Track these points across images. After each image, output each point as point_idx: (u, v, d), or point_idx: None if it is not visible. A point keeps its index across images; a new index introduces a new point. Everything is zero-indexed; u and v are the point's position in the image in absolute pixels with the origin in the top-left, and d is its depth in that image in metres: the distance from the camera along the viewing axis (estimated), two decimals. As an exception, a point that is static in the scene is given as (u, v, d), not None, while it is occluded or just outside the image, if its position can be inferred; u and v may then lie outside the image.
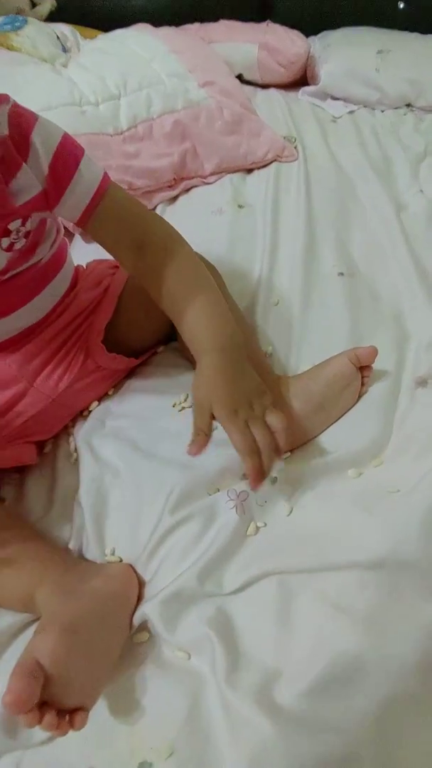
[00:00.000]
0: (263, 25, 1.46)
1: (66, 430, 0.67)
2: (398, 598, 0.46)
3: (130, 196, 0.60)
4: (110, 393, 0.69)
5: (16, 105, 0.50)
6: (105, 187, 0.55)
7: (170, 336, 0.73)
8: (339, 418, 0.63)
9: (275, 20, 1.52)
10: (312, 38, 1.50)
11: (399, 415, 0.63)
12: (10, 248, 0.53)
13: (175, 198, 1.01)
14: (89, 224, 0.56)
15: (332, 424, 0.63)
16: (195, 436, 0.51)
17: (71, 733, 0.44)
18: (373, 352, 0.63)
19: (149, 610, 0.48)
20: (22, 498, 0.61)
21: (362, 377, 0.64)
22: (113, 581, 0.50)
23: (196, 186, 1.03)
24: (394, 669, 0.43)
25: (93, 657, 0.44)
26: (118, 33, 1.14)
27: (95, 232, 0.58)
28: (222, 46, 1.36)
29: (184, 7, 1.48)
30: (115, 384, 0.70)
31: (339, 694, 0.43)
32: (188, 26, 1.44)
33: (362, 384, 0.64)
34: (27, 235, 0.54)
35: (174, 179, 0.99)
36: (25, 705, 0.39)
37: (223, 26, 1.44)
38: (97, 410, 0.67)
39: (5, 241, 0.52)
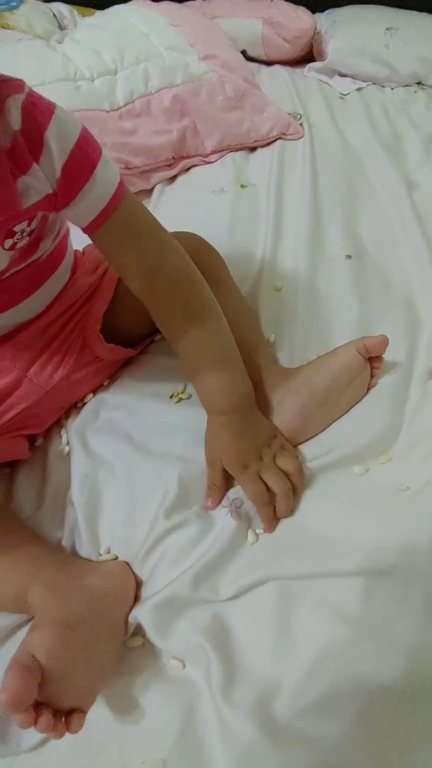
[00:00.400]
0: (267, 1, 1.41)
1: (58, 423, 0.64)
2: (408, 609, 0.43)
3: (145, 213, 0.53)
4: (105, 384, 0.66)
5: (31, 95, 0.44)
6: (119, 198, 0.49)
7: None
8: (345, 413, 0.60)
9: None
10: (318, 15, 1.46)
11: (410, 408, 0.60)
12: (12, 247, 0.49)
13: (174, 178, 0.97)
14: (96, 235, 0.51)
15: (338, 419, 0.59)
16: (209, 490, 0.53)
17: (61, 744, 0.42)
18: (384, 342, 0.59)
19: (141, 615, 0.45)
20: (12, 494, 0.58)
21: (372, 369, 0.60)
22: (109, 579, 0.48)
23: (196, 165, 0.98)
24: (401, 688, 0.40)
25: (90, 655, 0.42)
26: (116, 8, 1.09)
27: (102, 244, 0.52)
28: (225, 22, 1.31)
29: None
30: (110, 375, 0.67)
31: (341, 713, 0.40)
32: (190, 3, 1.40)
33: (372, 376, 0.61)
34: (31, 233, 0.50)
35: (173, 158, 0.95)
36: (22, 703, 0.37)
37: (226, 2, 1.40)
38: (92, 402, 0.63)
39: (8, 242, 0.48)
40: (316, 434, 0.58)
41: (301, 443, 0.58)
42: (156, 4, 1.11)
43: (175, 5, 1.16)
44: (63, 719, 0.39)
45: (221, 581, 0.47)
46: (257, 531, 0.50)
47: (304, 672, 0.41)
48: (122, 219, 0.50)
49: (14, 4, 1.10)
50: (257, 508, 0.51)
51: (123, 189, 0.50)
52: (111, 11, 1.10)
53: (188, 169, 0.98)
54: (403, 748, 0.38)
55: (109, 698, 0.44)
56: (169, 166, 0.95)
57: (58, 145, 0.44)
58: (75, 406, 0.65)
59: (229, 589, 0.46)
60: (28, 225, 0.49)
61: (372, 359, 0.60)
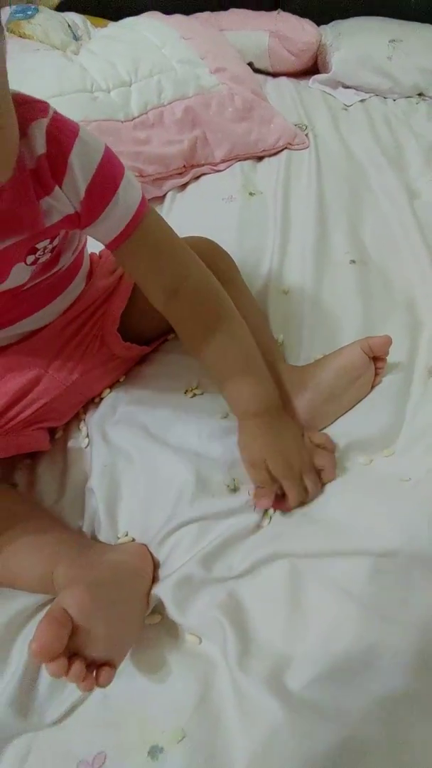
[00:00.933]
0: (274, 14, 1.45)
1: (77, 417, 0.67)
2: (411, 588, 0.46)
3: (166, 229, 0.55)
4: (121, 380, 0.69)
5: (56, 118, 0.44)
6: (141, 215, 0.51)
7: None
8: (351, 409, 0.63)
9: (286, 9, 1.51)
10: (323, 27, 1.49)
11: (411, 405, 0.63)
12: (34, 263, 0.51)
13: (185, 185, 1.01)
14: (119, 252, 0.53)
15: (343, 414, 0.63)
16: (259, 491, 0.55)
17: (82, 717, 0.45)
18: (387, 342, 0.62)
19: (161, 593, 0.48)
20: (34, 484, 0.61)
21: (376, 368, 0.64)
22: (129, 555, 0.51)
23: (206, 173, 1.02)
24: (407, 661, 0.43)
25: (117, 614, 0.44)
26: (129, 20, 1.13)
27: (124, 260, 0.55)
28: (233, 35, 1.35)
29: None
30: (126, 371, 0.70)
31: (350, 683, 0.43)
32: (199, 15, 1.43)
33: (375, 375, 0.64)
34: (53, 249, 0.53)
35: (184, 166, 0.99)
36: (52, 651, 0.39)
37: (234, 15, 1.43)
38: (109, 397, 0.67)
39: (30, 258, 0.50)
40: (323, 428, 0.61)
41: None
42: (167, 16, 1.15)
43: (186, 18, 1.20)
44: (94, 673, 0.41)
45: (234, 558, 0.50)
46: (270, 513, 0.53)
47: (315, 646, 0.44)
48: (144, 236, 0.52)
49: (30, 12, 1.14)
50: (291, 503, 0.54)
51: (144, 208, 0.51)
52: (124, 23, 1.14)
53: (198, 177, 1.02)
54: (414, 716, 0.41)
55: (128, 672, 0.46)
56: (180, 174, 0.99)
57: (81, 168, 0.46)
58: (92, 402, 0.68)
59: (240, 564, 0.49)
60: (50, 242, 0.51)
61: (375, 359, 0.63)
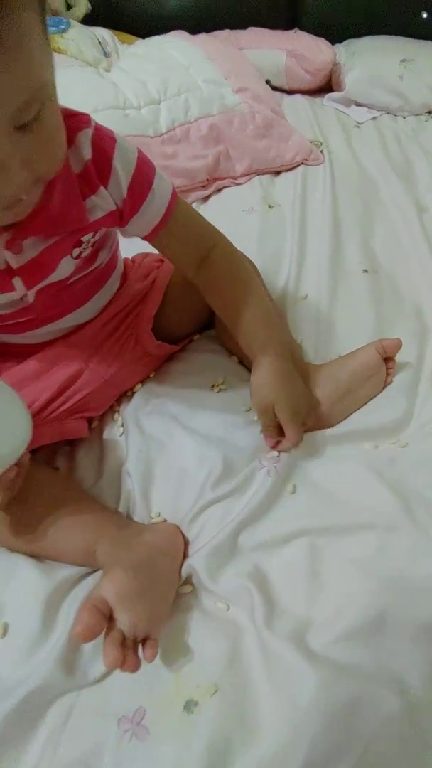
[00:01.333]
0: (291, 33, 1.52)
1: (111, 408, 0.73)
2: (414, 560, 0.52)
3: (194, 213, 0.64)
4: (152, 375, 0.75)
5: (97, 128, 0.51)
6: (173, 206, 0.59)
7: (206, 325, 0.79)
8: (364, 405, 0.69)
9: (302, 27, 1.58)
10: (337, 46, 1.55)
11: (419, 402, 0.69)
12: (78, 256, 0.58)
13: (207, 197, 1.07)
14: (156, 239, 0.61)
15: (358, 409, 0.69)
16: (267, 431, 0.62)
17: (120, 676, 0.49)
18: (398, 344, 0.69)
19: (195, 563, 0.54)
20: (74, 468, 0.67)
21: (387, 368, 0.70)
22: (162, 537, 0.56)
23: (227, 186, 1.09)
24: (413, 626, 0.49)
25: (153, 591, 0.49)
26: (156, 39, 1.20)
27: (161, 245, 0.63)
28: (251, 53, 1.42)
29: (215, 14, 1.53)
30: (156, 367, 0.76)
31: (363, 645, 0.48)
32: (219, 32, 1.50)
33: (387, 375, 0.70)
34: (93, 244, 0.59)
35: (207, 179, 1.05)
36: (92, 635, 0.44)
37: (253, 33, 1.50)
38: (141, 390, 0.72)
39: (76, 251, 0.57)
40: (339, 422, 0.67)
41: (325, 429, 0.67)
42: (193, 36, 1.23)
43: (209, 37, 1.27)
44: (139, 647, 0.46)
45: (259, 534, 0.56)
46: (295, 483, 0.60)
47: (331, 612, 0.50)
48: (177, 221, 0.60)
49: (63, 27, 1.21)
50: (293, 447, 0.61)
51: (175, 198, 0.59)
52: (152, 42, 1.21)
53: (220, 189, 1.08)
54: (416, 673, 0.46)
55: (165, 635, 0.51)
56: (204, 186, 1.05)
57: (123, 170, 0.53)
58: (125, 395, 0.74)
59: (265, 539, 0.55)
60: (93, 236, 0.58)
61: (387, 359, 0.69)
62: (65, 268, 0.58)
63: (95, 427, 0.71)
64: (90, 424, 0.71)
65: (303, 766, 0.41)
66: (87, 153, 0.51)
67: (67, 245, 0.56)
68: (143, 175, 0.55)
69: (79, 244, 0.57)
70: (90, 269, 0.63)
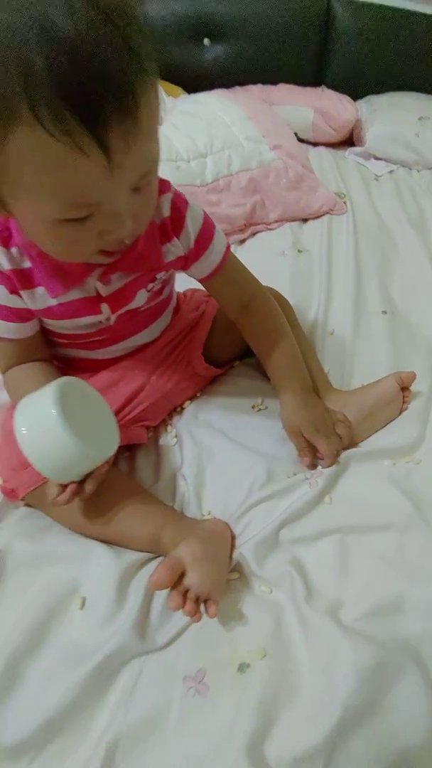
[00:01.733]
0: (318, 90, 1.68)
1: (163, 421, 0.84)
2: (426, 553, 0.63)
3: (241, 266, 0.78)
4: (198, 395, 0.87)
5: (176, 192, 0.65)
6: (227, 257, 0.73)
7: (245, 354, 0.91)
8: (383, 427, 0.80)
9: (327, 81, 1.74)
10: (359, 102, 1.71)
11: (430, 427, 0.80)
12: (151, 290, 0.71)
13: (244, 240, 1.20)
14: (209, 283, 0.75)
15: (378, 430, 0.80)
16: (302, 451, 0.74)
17: (185, 641, 0.58)
18: (414, 377, 0.81)
19: (245, 551, 0.64)
20: (134, 470, 0.78)
21: (403, 396, 0.81)
22: (216, 527, 0.67)
23: (261, 231, 1.22)
24: (427, 608, 0.59)
25: (216, 563, 0.60)
26: (202, 97, 1.36)
27: (211, 288, 0.77)
28: (281, 108, 1.57)
29: (249, 69, 1.70)
30: (202, 388, 0.88)
31: (385, 622, 0.58)
32: (251, 87, 1.66)
33: (403, 402, 0.82)
34: (162, 281, 0.73)
35: (244, 224, 1.19)
36: (164, 583, 0.54)
37: (283, 89, 1.66)
38: (191, 407, 0.84)
39: (150, 285, 0.70)
40: (363, 439, 0.78)
41: (350, 447, 0.78)
42: (234, 95, 1.39)
43: (249, 97, 1.43)
44: (202, 606, 0.56)
45: (297, 527, 0.67)
46: (331, 495, 0.70)
47: (358, 594, 0.60)
48: (227, 271, 0.74)
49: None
50: (326, 458, 0.73)
51: (228, 251, 0.73)
52: (198, 99, 1.37)
53: (255, 234, 1.22)
54: (429, 647, 0.56)
55: (219, 609, 0.60)
56: (242, 231, 1.19)
57: (193, 226, 0.68)
58: (175, 410, 0.85)
59: (303, 535, 0.66)
60: (164, 275, 0.71)
61: (404, 389, 0.81)
62: (140, 298, 0.71)
63: (150, 436, 0.82)
64: (147, 433, 0.83)
65: (340, 717, 0.51)
66: (166, 211, 0.65)
67: (144, 280, 0.69)
68: (206, 232, 0.70)
69: (153, 279, 0.70)
70: (157, 300, 0.76)
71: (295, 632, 0.58)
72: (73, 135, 0.41)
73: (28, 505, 0.71)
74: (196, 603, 0.56)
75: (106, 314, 0.68)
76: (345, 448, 0.76)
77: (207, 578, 0.57)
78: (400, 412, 0.82)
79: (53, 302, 0.64)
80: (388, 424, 0.80)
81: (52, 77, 0.39)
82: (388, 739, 0.51)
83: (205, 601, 0.57)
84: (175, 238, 0.67)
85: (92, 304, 0.66)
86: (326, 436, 0.73)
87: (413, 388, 0.83)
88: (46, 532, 0.68)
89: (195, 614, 0.55)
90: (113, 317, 0.69)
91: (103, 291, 0.65)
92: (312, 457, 0.73)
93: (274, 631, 0.59)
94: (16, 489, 0.68)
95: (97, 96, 0.41)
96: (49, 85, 0.39)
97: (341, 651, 0.55)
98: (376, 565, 0.63)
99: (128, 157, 0.45)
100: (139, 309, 0.73)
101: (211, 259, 0.72)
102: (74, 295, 0.65)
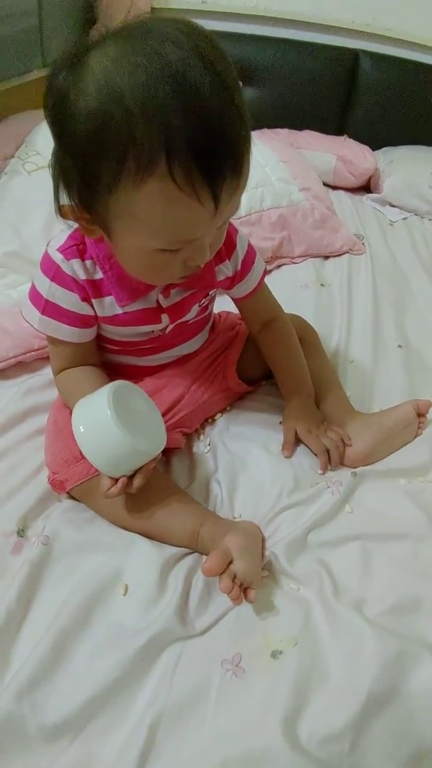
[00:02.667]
0: (341, 139, 1.80)
1: (196, 431, 0.90)
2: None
3: (270, 292, 0.90)
4: (228, 408, 0.94)
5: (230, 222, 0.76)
6: (263, 281, 0.84)
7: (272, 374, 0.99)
8: (399, 449, 0.87)
9: (348, 130, 1.86)
10: (377, 152, 1.84)
11: (443, 450, 0.88)
12: (201, 304, 0.80)
13: (269, 271, 1.29)
14: (244, 302, 0.86)
15: (394, 452, 0.87)
16: (286, 444, 0.84)
17: (222, 628, 0.62)
18: (429, 404, 0.89)
19: (277, 550, 0.70)
20: (169, 472, 0.83)
21: (419, 422, 0.89)
22: (250, 527, 0.72)
23: (286, 264, 1.31)
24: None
25: (254, 556, 0.66)
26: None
27: (244, 306, 0.88)
28: (307, 153, 1.69)
29: (277, 113, 1.83)
30: (232, 402, 0.95)
31: (404, 619, 0.64)
32: (280, 130, 1.79)
33: (418, 426, 0.89)
34: (211, 298, 0.82)
35: (272, 257, 1.28)
36: (217, 570, 0.60)
37: (309, 136, 1.79)
38: (222, 418, 0.91)
39: (203, 300, 0.79)
40: (381, 459, 0.85)
41: (369, 465, 0.85)
42: (267, 139, 1.49)
43: (282, 143, 1.54)
44: (243, 592, 0.61)
45: (324, 532, 0.73)
46: (351, 505, 0.76)
47: (380, 594, 0.66)
48: (260, 293, 0.85)
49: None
50: (318, 455, 0.81)
51: (264, 275, 0.84)
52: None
53: (280, 266, 1.31)
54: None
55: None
56: (268, 262, 1.28)
57: (241, 251, 0.78)
58: (206, 421, 0.92)
59: (329, 536, 0.72)
60: (214, 292, 0.81)
61: (420, 415, 0.89)
62: (193, 311, 0.79)
63: (184, 442, 0.89)
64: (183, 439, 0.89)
65: (365, 701, 0.55)
66: None
67: (199, 296, 0.77)
68: (250, 256, 0.80)
69: (206, 295, 0.79)
70: (203, 315, 0.85)
71: (323, 623, 0.63)
72: (197, 188, 0.48)
73: (71, 498, 0.76)
74: (240, 588, 0.62)
75: (165, 323, 0.76)
76: (341, 464, 0.84)
77: (250, 567, 0.62)
78: (415, 437, 0.89)
79: (119, 311, 0.72)
80: (404, 446, 0.87)
81: (189, 140, 0.46)
82: (407, 723, 0.56)
83: (246, 589, 0.62)
84: (227, 260, 0.77)
85: (154, 314, 0.74)
86: (316, 437, 0.82)
87: (428, 415, 0.90)
88: (89, 523, 0.74)
89: (238, 598, 0.61)
90: (170, 326, 0.77)
91: (164, 303, 0.73)
92: (292, 451, 0.83)
93: (304, 622, 0.64)
94: (65, 481, 0.73)
95: (221, 158, 0.48)
96: (186, 146, 0.46)
97: (366, 641, 0.60)
98: (396, 569, 0.69)
99: (228, 206, 0.54)
100: (189, 321, 0.81)
101: (252, 281, 0.82)
102: (139, 305, 0.72)
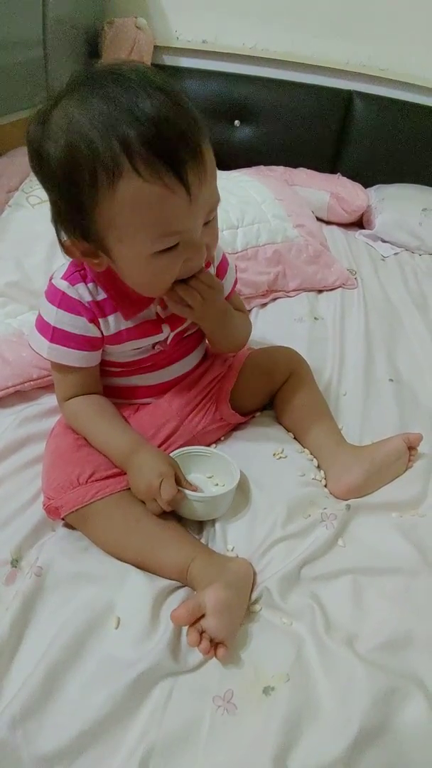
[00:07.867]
0: (335, 177, 1.87)
1: (191, 461, 0.91)
2: (430, 597, 0.70)
3: (240, 300, 0.97)
4: (222, 438, 0.95)
5: None
6: (234, 288, 0.92)
7: (266, 405, 1.00)
8: (390, 482, 0.89)
9: (341, 167, 1.92)
10: (369, 189, 1.90)
11: (432, 485, 0.89)
12: None
13: (265, 304, 1.32)
14: None
15: (386, 484, 0.88)
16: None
17: (213, 664, 0.62)
18: (420, 438, 0.90)
19: (270, 585, 0.70)
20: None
21: (409, 455, 0.90)
22: (242, 567, 0.71)
23: (280, 297, 1.35)
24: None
25: (234, 609, 0.65)
26: (237, 176, 1.52)
27: None
28: (301, 190, 1.75)
29: (272, 150, 1.91)
30: (226, 433, 0.96)
31: (396, 655, 0.64)
32: (275, 167, 1.85)
33: (409, 460, 0.90)
34: None
35: (267, 291, 1.31)
36: (183, 622, 0.61)
37: (303, 173, 1.85)
38: (216, 449, 0.92)
39: None
40: (371, 493, 0.86)
41: (361, 497, 0.86)
42: (266, 178, 1.56)
43: (278, 181, 1.59)
44: (214, 648, 0.62)
45: (317, 566, 0.73)
46: (344, 538, 0.77)
47: (372, 627, 0.66)
48: (232, 300, 0.90)
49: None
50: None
51: (235, 284, 0.91)
52: (233, 177, 1.54)
53: (275, 299, 1.34)
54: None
55: (245, 637, 0.65)
56: (263, 296, 1.31)
57: (218, 258, 0.86)
58: (202, 452, 0.93)
59: (322, 570, 0.72)
60: None
61: (410, 448, 0.90)
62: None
63: (179, 473, 0.89)
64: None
65: (356, 735, 0.56)
66: None
67: None
68: (224, 264, 0.89)
69: None
70: (197, 327, 0.88)
71: (315, 659, 0.63)
72: (163, 178, 0.56)
73: (66, 525, 0.77)
74: (211, 643, 0.62)
75: (166, 333, 0.81)
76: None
77: (223, 626, 0.62)
78: (406, 469, 0.90)
79: (123, 327, 0.77)
80: (395, 479, 0.89)
81: (143, 141, 0.55)
82: (396, 757, 0.56)
83: (217, 644, 0.62)
84: (211, 267, 0.82)
85: (155, 325, 0.80)
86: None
87: (418, 448, 0.92)
88: (83, 553, 0.74)
89: (208, 653, 0.61)
90: (171, 335, 0.81)
91: (162, 314, 0.79)
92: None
93: (296, 658, 0.64)
94: (60, 507, 0.74)
95: (177, 149, 0.56)
96: (142, 146, 0.55)
97: (357, 677, 0.61)
98: (387, 604, 0.69)
99: (201, 191, 0.60)
100: (186, 330, 0.86)
101: (227, 284, 0.88)
102: (141, 318, 0.78)
